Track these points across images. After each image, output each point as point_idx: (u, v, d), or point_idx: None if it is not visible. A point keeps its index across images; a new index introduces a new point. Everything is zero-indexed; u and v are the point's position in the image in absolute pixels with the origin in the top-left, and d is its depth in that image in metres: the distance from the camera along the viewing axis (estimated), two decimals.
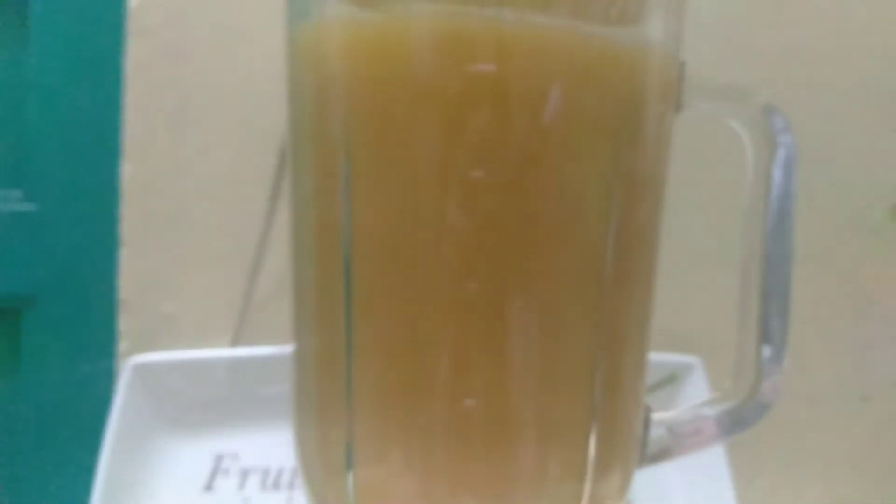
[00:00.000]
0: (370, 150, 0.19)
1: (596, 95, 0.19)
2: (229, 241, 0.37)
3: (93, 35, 0.37)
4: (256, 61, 0.37)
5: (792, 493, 0.43)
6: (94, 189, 0.37)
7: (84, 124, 0.37)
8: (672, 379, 0.37)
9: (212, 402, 0.35)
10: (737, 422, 0.22)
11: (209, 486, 0.34)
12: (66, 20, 0.37)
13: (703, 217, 0.41)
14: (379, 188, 0.19)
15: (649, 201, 0.21)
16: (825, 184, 0.43)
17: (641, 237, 0.21)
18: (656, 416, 0.23)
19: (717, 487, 0.36)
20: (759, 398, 0.22)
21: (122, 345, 0.37)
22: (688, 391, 0.37)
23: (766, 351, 0.22)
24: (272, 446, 0.34)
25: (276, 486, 0.34)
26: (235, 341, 0.37)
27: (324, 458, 0.21)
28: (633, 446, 0.22)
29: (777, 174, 0.21)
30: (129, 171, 0.37)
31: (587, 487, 0.20)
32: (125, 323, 0.37)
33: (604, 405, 0.20)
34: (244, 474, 0.34)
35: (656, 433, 0.22)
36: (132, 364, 0.33)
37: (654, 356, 0.23)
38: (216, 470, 0.34)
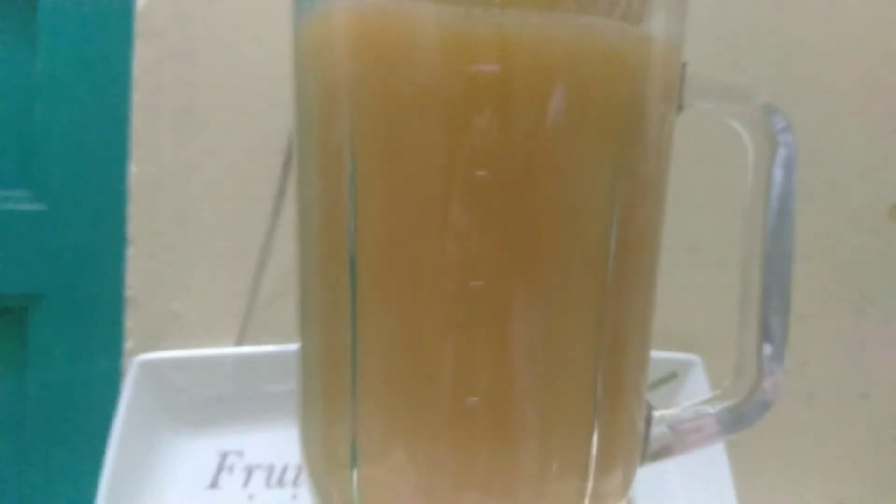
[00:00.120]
0: (375, 150, 0.19)
1: (598, 96, 0.19)
2: (235, 241, 0.38)
3: (100, 36, 0.37)
4: (262, 63, 0.37)
5: (791, 490, 0.43)
6: (101, 189, 0.37)
7: (92, 125, 0.37)
8: (673, 376, 0.37)
9: (217, 400, 0.35)
10: (738, 419, 0.22)
11: (214, 483, 0.34)
12: (74, 22, 0.37)
13: (704, 216, 0.41)
14: (384, 187, 0.19)
15: (651, 200, 0.21)
16: (825, 183, 0.43)
17: (643, 236, 0.21)
18: (658, 413, 0.23)
19: (717, 484, 0.36)
20: (760, 396, 0.22)
21: (129, 343, 0.37)
22: (688, 389, 0.37)
23: (767, 349, 0.21)
24: (277, 443, 0.35)
25: (280, 482, 0.34)
26: (240, 339, 0.37)
27: (329, 455, 0.21)
28: (634, 444, 0.22)
29: (778, 173, 0.21)
30: (136, 171, 0.37)
31: (589, 485, 0.20)
32: (132, 321, 0.37)
33: (606, 403, 0.20)
34: (249, 471, 0.34)
35: (658, 431, 0.22)
36: (138, 362, 0.34)
37: (655, 354, 0.23)
38: (221, 467, 0.34)
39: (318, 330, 0.22)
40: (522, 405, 0.19)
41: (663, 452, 0.22)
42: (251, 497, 0.34)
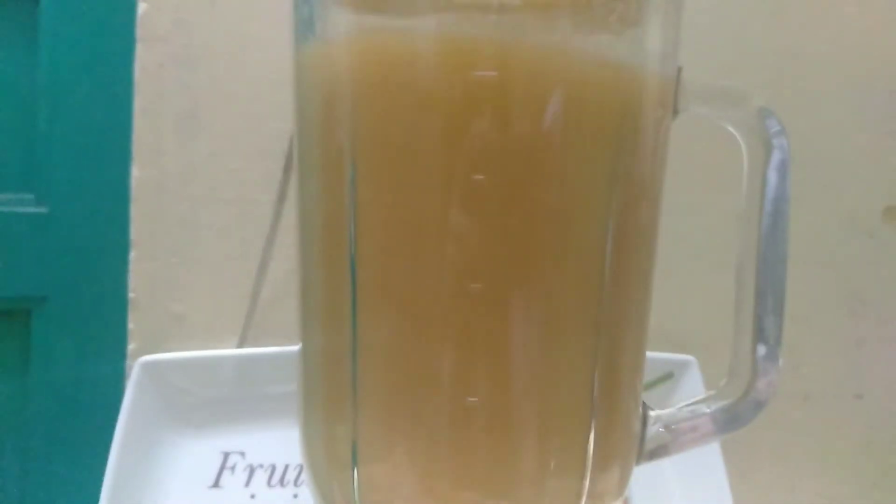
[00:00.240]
0: (375, 155, 0.20)
1: (595, 102, 0.20)
2: (236, 244, 0.38)
3: (102, 41, 0.37)
4: (263, 68, 0.38)
5: (786, 490, 0.44)
6: (104, 192, 0.37)
7: (94, 129, 0.37)
8: (668, 376, 0.38)
9: (219, 401, 0.35)
10: (732, 419, 0.22)
11: (216, 483, 0.34)
12: (76, 26, 0.37)
13: (700, 218, 0.41)
14: (384, 191, 0.20)
15: (647, 203, 0.22)
16: (819, 185, 0.44)
17: (640, 238, 0.22)
18: (654, 413, 0.23)
19: (712, 483, 0.36)
20: (755, 396, 0.22)
21: (132, 344, 0.37)
22: (684, 389, 0.38)
23: (761, 350, 0.22)
24: (278, 444, 0.35)
25: (282, 482, 0.35)
26: (242, 341, 0.37)
27: (330, 455, 0.22)
28: (631, 443, 0.22)
29: (772, 176, 0.21)
30: (139, 175, 0.37)
31: (586, 483, 0.20)
32: (134, 323, 0.37)
33: (603, 403, 0.21)
34: (251, 471, 0.35)
35: (654, 430, 0.23)
36: (141, 363, 0.34)
37: (651, 355, 0.23)
38: (223, 467, 0.35)
39: (319, 331, 0.22)
40: (521, 405, 0.20)
41: (659, 452, 0.23)
42: (253, 497, 0.34)
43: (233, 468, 0.35)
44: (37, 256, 0.37)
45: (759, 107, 0.22)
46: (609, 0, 0.20)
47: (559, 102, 0.19)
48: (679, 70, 0.22)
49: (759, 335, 0.22)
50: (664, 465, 0.35)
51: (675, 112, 0.22)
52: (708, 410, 0.22)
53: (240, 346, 0.37)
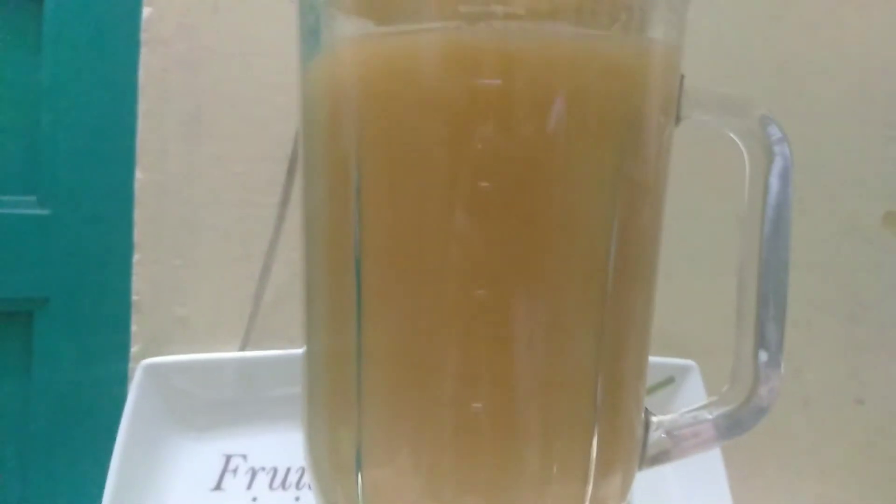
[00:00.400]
0: (380, 161, 0.20)
1: (599, 109, 0.20)
2: (239, 247, 0.38)
3: (106, 45, 0.37)
4: (267, 71, 0.38)
5: (787, 495, 0.44)
6: (108, 195, 0.37)
7: (98, 132, 0.37)
8: (670, 381, 0.38)
9: (221, 403, 0.35)
10: (734, 425, 0.22)
11: (218, 486, 0.34)
12: (80, 29, 0.37)
13: (701, 223, 0.41)
14: (389, 197, 0.20)
15: (650, 210, 0.22)
16: (820, 191, 0.44)
17: (643, 244, 0.22)
18: (656, 419, 0.23)
19: (713, 488, 0.36)
20: (756, 402, 0.22)
21: (135, 347, 0.37)
22: (685, 394, 0.38)
23: (763, 356, 0.22)
24: (280, 446, 0.35)
25: (283, 485, 0.35)
26: (244, 344, 0.37)
27: (334, 459, 0.22)
28: (633, 448, 0.22)
29: (774, 183, 0.21)
30: (142, 178, 0.37)
31: (589, 489, 0.21)
32: (137, 325, 0.37)
33: (606, 408, 0.21)
34: (253, 474, 0.35)
35: (656, 436, 0.23)
36: (144, 366, 0.34)
37: (653, 360, 0.23)
38: (225, 469, 0.35)
39: (324, 335, 0.22)
40: (525, 410, 0.20)
41: (661, 457, 0.23)
42: (255, 499, 0.34)
43: (235, 471, 0.35)
44: (39, 258, 0.37)
45: (761, 114, 0.22)
46: (613, 9, 0.20)
47: (563, 110, 0.19)
48: (682, 78, 0.22)
49: (761, 341, 0.22)
50: (665, 469, 0.35)
51: (678, 119, 0.22)
52: (710, 416, 0.22)
53: (242, 348, 0.37)
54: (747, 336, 0.22)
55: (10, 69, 0.37)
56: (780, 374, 0.22)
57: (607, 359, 0.21)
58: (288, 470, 0.35)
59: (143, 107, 0.37)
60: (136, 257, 0.37)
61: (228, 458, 0.35)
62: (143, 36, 0.37)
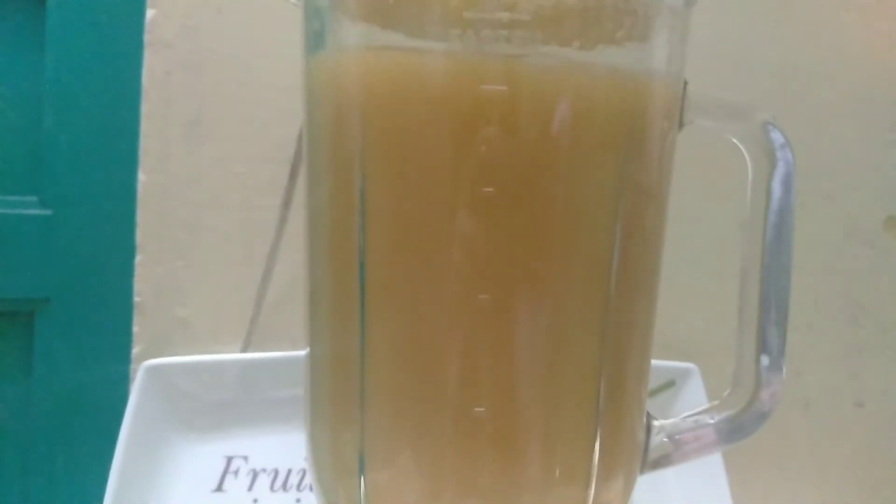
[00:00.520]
0: (385, 165, 0.20)
1: (602, 116, 0.20)
2: (241, 248, 0.38)
3: (109, 46, 0.37)
4: (269, 74, 0.38)
5: (787, 497, 0.44)
6: (110, 196, 0.37)
7: (100, 133, 0.37)
8: (670, 384, 0.38)
9: (223, 405, 0.35)
10: (736, 430, 0.22)
11: (219, 487, 0.34)
12: (83, 31, 0.37)
13: (702, 227, 0.42)
14: (393, 202, 0.20)
15: (653, 214, 0.22)
16: (821, 195, 0.44)
17: (645, 249, 0.22)
18: (657, 423, 0.23)
19: (714, 490, 0.36)
20: (758, 407, 0.22)
21: (136, 348, 0.37)
22: (685, 397, 0.38)
23: (765, 360, 0.22)
24: (281, 448, 0.35)
25: (284, 487, 0.35)
26: (246, 346, 0.38)
27: (337, 461, 0.22)
28: (635, 453, 0.22)
29: (776, 189, 0.22)
30: (145, 180, 0.37)
31: (591, 493, 0.21)
32: (139, 327, 0.37)
33: (608, 412, 0.21)
34: (254, 475, 0.35)
35: (657, 440, 0.23)
36: (145, 367, 0.34)
37: (654, 363, 0.24)
38: (226, 471, 0.35)
39: (327, 338, 0.22)
40: (527, 415, 0.20)
41: (662, 461, 0.23)
42: (256, 501, 0.34)
43: (236, 472, 0.35)
44: (41, 259, 0.37)
45: (763, 120, 0.22)
46: (617, 16, 0.20)
47: (567, 117, 0.19)
48: (685, 84, 0.22)
49: (763, 346, 0.22)
50: (666, 472, 0.35)
51: (681, 125, 0.22)
52: (711, 421, 0.23)
53: (244, 350, 0.38)
54: (749, 341, 0.22)
55: (12, 70, 0.37)
56: (781, 379, 0.22)
57: (609, 363, 0.21)
58: (289, 471, 0.35)
59: (145, 108, 0.37)
60: (137, 258, 0.37)
61: (230, 460, 0.35)
62: (147, 38, 0.37)
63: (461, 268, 0.19)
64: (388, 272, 0.20)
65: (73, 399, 0.37)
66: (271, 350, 0.36)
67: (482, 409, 0.20)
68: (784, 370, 0.22)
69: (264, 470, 0.35)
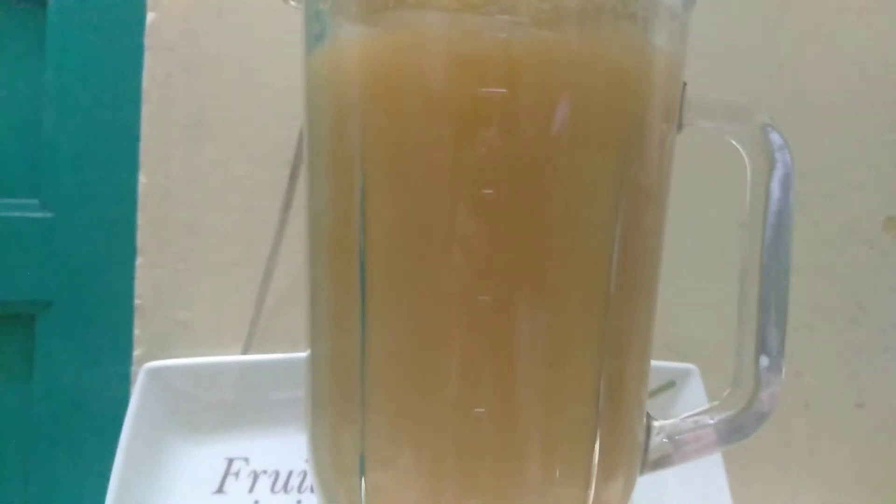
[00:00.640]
0: (385, 165, 0.20)
1: (602, 117, 0.20)
2: (242, 250, 0.38)
3: (110, 49, 0.38)
4: (270, 76, 0.38)
5: (787, 497, 0.44)
6: (111, 198, 0.37)
7: (101, 136, 0.37)
8: (671, 385, 0.38)
9: (223, 407, 0.35)
10: (735, 431, 0.22)
11: (220, 489, 0.34)
12: (84, 34, 0.37)
13: (702, 227, 0.42)
14: (393, 202, 0.20)
15: (652, 215, 0.22)
16: (821, 195, 0.44)
17: (645, 249, 0.22)
18: (657, 424, 0.23)
19: (714, 491, 0.36)
20: (758, 408, 0.22)
21: (137, 350, 0.37)
22: (685, 398, 0.38)
23: (764, 361, 0.22)
24: (282, 450, 0.35)
25: (285, 488, 0.35)
26: (247, 347, 0.38)
27: (337, 462, 0.22)
28: (635, 453, 0.22)
29: (775, 190, 0.22)
30: (146, 182, 0.38)
31: (591, 493, 0.21)
32: (140, 329, 0.37)
33: (608, 413, 0.21)
34: (254, 477, 0.35)
35: (657, 441, 0.23)
36: (146, 369, 0.34)
37: (654, 363, 0.24)
38: (227, 472, 0.35)
39: (328, 339, 0.22)
40: (527, 415, 0.20)
41: (662, 462, 0.23)
42: (257, 502, 0.34)
43: (237, 474, 0.35)
44: (42, 261, 0.37)
45: (762, 122, 0.22)
46: (617, 17, 0.20)
47: (566, 117, 0.19)
48: (684, 85, 0.22)
49: (762, 347, 0.22)
50: (666, 472, 0.35)
51: (680, 126, 0.22)
52: (711, 421, 0.23)
53: (244, 352, 0.38)
54: (748, 341, 0.22)
55: (13, 73, 0.37)
56: (781, 379, 0.22)
57: (609, 364, 0.21)
58: (290, 473, 0.35)
59: (146, 111, 0.37)
60: (138, 261, 0.38)
61: (230, 462, 0.35)
62: (147, 40, 0.37)
63: (461, 269, 0.19)
64: (389, 273, 0.20)
65: (74, 401, 0.37)
66: (272, 352, 0.36)
67: (482, 410, 0.20)
68: (783, 371, 0.22)
69: (265, 471, 0.35)
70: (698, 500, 0.36)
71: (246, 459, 0.35)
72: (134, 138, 0.37)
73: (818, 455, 0.44)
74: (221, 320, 0.38)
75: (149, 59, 0.37)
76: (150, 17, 0.37)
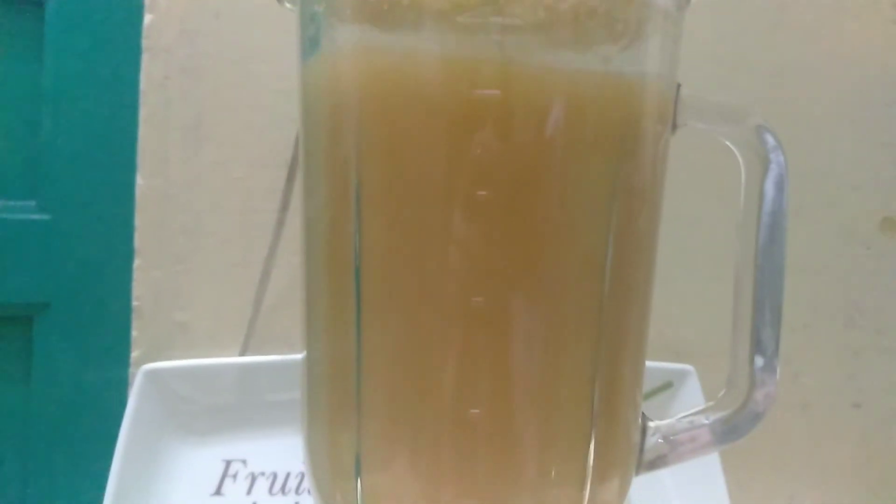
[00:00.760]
0: (379, 167, 0.20)
1: (596, 119, 0.20)
2: (239, 252, 0.38)
3: (108, 51, 0.38)
4: (267, 78, 0.38)
5: (785, 498, 0.44)
6: (108, 200, 0.38)
7: (99, 138, 0.38)
8: (668, 386, 0.38)
9: (221, 409, 0.35)
10: (731, 430, 0.22)
11: (218, 491, 0.34)
12: (82, 35, 0.37)
13: (698, 228, 0.42)
14: (388, 205, 0.20)
15: (647, 217, 0.22)
16: (818, 196, 0.44)
17: (640, 250, 0.22)
18: (652, 424, 0.23)
19: (711, 491, 0.36)
20: (753, 408, 0.22)
21: (135, 352, 0.37)
22: (682, 398, 0.38)
23: (759, 361, 0.22)
24: (280, 451, 0.35)
25: (283, 490, 0.35)
26: (244, 349, 0.38)
27: (333, 464, 0.22)
28: (630, 454, 0.23)
29: (769, 191, 0.22)
30: (143, 184, 0.38)
31: (587, 494, 0.21)
32: (138, 331, 0.38)
33: (603, 414, 0.21)
34: (252, 479, 0.35)
35: (653, 441, 0.23)
36: (144, 371, 0.34)
37: (651, 364, 0.24)
38: (225, 475, 0.35)
39: (324, 341, 0.22)
40: (522, 417, 0.20)
41: (658, 462, 0.23)
42: None
43: (234, 476, 0.35)
44: (40, 263, 0.37)
45: (756, 123, 0.22)
46: (609, 19, 0.20)
47: (561, 120, 0.19)
48: (678, 87, 0.22)
49: (757, 347, 0.22)
50: (663, 474, 0.35)
51: (675, 127, 0.22)
52: (706, 422, 0.23)
53: (242, 354, 0.38)
54: (743, 342, 0.22)
55: (11, 74, 0.37)
56: (775, 379, 0.22)
57: (604, 365, 0.21)
58: (287, 475, 0.35)
59: (144, 113, 0.38)
60: (136, 262, 0.38)
61: (228, 464, 0.35)
62: (145, 42, 0.38)
63: (455, 271, 0.19)
64: (384, 275, 0.20)
65: (72, 403, 0.37)
66: (270, 353, 0.36)
67: (477, 412, 0.20)
68: (778, 371, 0.22)
69: (263, 473, 0.35)
70: (696, 501, 0.36)
71: (244, 461, 0.35)
72: (132, 140, 0.37)
73: (816, 455, 0.44)
74: (219, 322, 0.38)
75: (146, 61, 0.37)
76: (148, 18, 0.37)
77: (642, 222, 0.22)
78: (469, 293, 0.19)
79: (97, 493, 0.32)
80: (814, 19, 0.44)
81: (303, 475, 0.35)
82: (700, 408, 0.23)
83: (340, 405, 0.21)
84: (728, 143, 0.23)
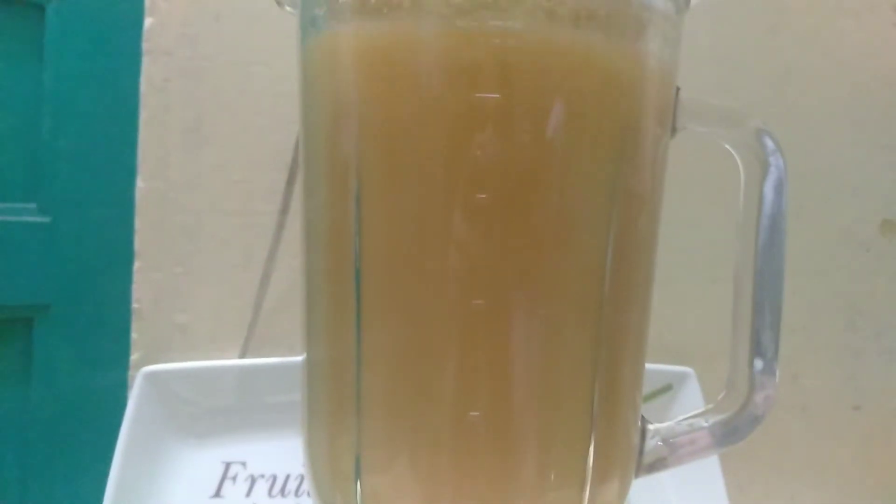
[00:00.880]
0: (380, 169, 0.20)
1: (595, 122, 0.20)
2: (239, 254, 0.38)
3: (108, 53, 0.38)
4: (267, 80, 0.38)
5: (784, 500, 0.44)
6: (108, 202, 0.38)
7: (99, 140, 0.38)
8: (667, 388, 0.38)
9: (221, 411, 0.35)
10: (730, 433, 0.22)
11: (218, 493, 0.34)
12: (82, 38, 0.37)
13: (698, 231, 0.42)
14: (388, 206, 0.20)
15: (646, 219, 0.22)
16: (818, 199, 0.44)
17: (639, 252, 0.22)
18: (652, 426, 0.23)
19: (711, 494, 0.36)
20: (752, 410, 0.22)
21: (135, 354, 0.37)
22: (682, 401, 0.38)
23: (758, 364, 0.22)
24: (279, 454, 0.35)
25: (283, 492, 0.35)
26: (244, 351, 0.38)
27: (333, 466, 0.22)
28: (630, 456, 0.23)
29: (768, 194, 0.22)
30: (143, 186, 0.38)
31: (586, 496, 0.21)
32: (137, 333, 0.38)
33: (602, 416, 0.21)
34: (252, 481, 0.35)
35: (652, 444, 0.23)
36: (144, 373, 0.34)
37: (650, 366, 0.24)
38: (224, 477, 0.35)
39: (324, 343, 0.22)
40: (522, 419, 0.20)
41: (658, 465, 0.23)
42: None
43: (234, 478, 0.35)
44: (40, 265, 0.37)
45: (756, 127, 0.22)
46: (609, 21, 0.20)
47: (560, 121, 0.19)
48: (677, 90, 0.22)
49: (756, 349, 0.22)
50: (663, 476, 0.35)
51: (674, 130, 0.22)
52: (706, 424, 0.23)
53: (242, 356, 0.38)
54: (743, 344, 0.22)
55: (12, 77, 0.37)
56: (775, 382, 0.22)
57: (604, 367, 0.21)
58: (287, 477, 0.35)
59: (144, 115, 0.38)
60: (136, 265, 0.38)
61: (228, 466, 0.35)
62: (145, 45, 0.38)
63: (456, 273, 0.19)
64: (384, 278, 0.20)
65: (71, 405, 0.37)
66: (269, 356, 0.37)
67: (477, 414, 0.20)
68: (778, 373, 0.22)
69: (262, 475, 0.35)
70: (695, 503, 0.36)
71: (243, 463, 0.35)
72: (132, 143, 0.37)
73: (815, 458, 0.44)
74: (219, 324, 0.38)
75: (147, 64, 0.37)
76: (148, 21, 0.37)
77: (642, 225, 0.22)
78: (469, 295, 0.19)
79: (97, 495, 0.32)
80: (813, 22, 0.44)
81: (302, 477, 0.35)
82: (700, 410, 0.23)
83: (340, 407, 0.21)
84: (727, 146, 0.23)
